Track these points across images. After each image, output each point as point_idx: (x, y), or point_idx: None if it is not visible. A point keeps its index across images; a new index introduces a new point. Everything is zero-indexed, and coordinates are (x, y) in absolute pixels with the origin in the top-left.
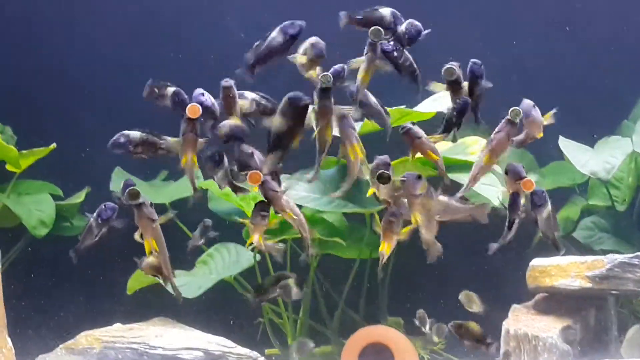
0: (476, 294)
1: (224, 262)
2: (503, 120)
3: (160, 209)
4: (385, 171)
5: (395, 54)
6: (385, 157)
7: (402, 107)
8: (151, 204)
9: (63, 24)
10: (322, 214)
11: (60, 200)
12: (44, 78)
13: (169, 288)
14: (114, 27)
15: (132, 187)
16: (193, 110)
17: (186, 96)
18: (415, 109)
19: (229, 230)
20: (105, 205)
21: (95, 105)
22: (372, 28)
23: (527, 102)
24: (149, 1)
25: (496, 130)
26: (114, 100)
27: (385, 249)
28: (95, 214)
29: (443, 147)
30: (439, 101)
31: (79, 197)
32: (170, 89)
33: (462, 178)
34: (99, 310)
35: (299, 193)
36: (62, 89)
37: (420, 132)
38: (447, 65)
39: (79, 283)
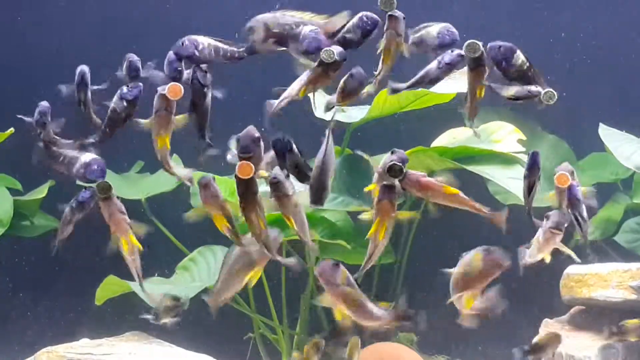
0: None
1: (209, 268)
2: None
3: (136, 205)
4: (398, 163)
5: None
6: (401, 153)
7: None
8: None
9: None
10: (322, 213)
11: (18, 196)
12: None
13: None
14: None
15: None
16: (174, 90)
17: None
18: (433, 89)
19: (215, 231)
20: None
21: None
22: None
23: None
24: None
25: None
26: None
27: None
28: (72, 200)
29: (463, 134)
30: (459, 80)
31: (41, 192)
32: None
33: (486, 171)
34: (63, 323)
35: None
36: (22, 64)
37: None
38: (470, 41)
39: (40, 291)
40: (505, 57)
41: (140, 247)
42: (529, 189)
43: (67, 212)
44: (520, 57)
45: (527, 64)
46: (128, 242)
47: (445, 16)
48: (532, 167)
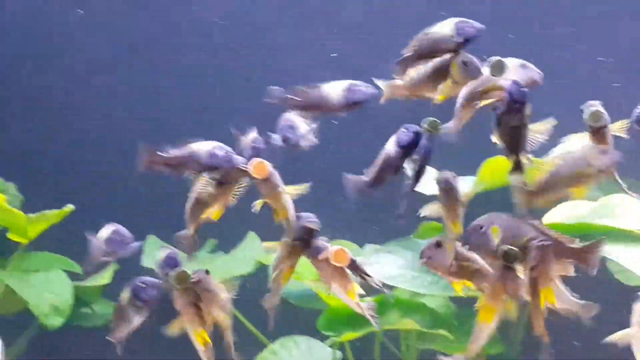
0: None
1: None
2: None
3: None
4: (513, 248)
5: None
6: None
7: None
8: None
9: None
10: (421, 298)
11: (78, 280)
12: (55, 123)
13: None
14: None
15: (179, 269)
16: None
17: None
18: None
19: (298, 319)
20: (142, 281)
21: (118, 156)
22: None
23: None
24: None
25: None
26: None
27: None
28: (128, 292)
29: (580, 210)
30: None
31: (105, 278)
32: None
33: (606, 249)
34: None
35: (390, 271)
36: (77, 137)
37: None
38: (592, 109)
39: None
40: None
41: (209, 342)
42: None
43: (122, 306)
44: None
45: None
46: (201, 337)
47: None
48: None
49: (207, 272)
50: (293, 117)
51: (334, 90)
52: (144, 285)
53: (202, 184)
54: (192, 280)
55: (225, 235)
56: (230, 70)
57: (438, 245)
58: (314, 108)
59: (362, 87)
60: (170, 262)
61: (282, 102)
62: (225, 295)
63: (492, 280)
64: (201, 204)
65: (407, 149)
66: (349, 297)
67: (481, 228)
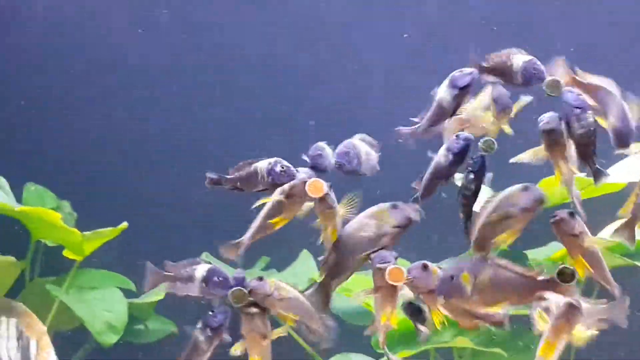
0: None
1: None
2: None
3: None
4: (569, 267)
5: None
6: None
7: (582, 175)
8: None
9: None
10: None
11: (132, 297)
12: (109, 138)
13: None
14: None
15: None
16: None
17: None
18: None
19: (351, 334)
20: (214, 310)
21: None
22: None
23: None
24: None
25: None
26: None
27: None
28: (199, 324)
29: None
30: (635, 167)
31: (158, 295)
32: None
33: None
34: None
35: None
36: (129, 152)
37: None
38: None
39: None
40: None
41: None
42: None
43: (196, 340)
44: None
45: None
46: None
47: None
48: None
49: (260, 278)
50: (355, 142)
51: None
52: (211, 314)
53: (275, 198)
54: (248, 290)
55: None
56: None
57: (424, 267)
58: None
59: None
60: (237, 282)
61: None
62: (288, 293)
63: (556, 317)
64: (273, 215)
65: (458, 157)
66: (381, 315)
67: (452, 278)
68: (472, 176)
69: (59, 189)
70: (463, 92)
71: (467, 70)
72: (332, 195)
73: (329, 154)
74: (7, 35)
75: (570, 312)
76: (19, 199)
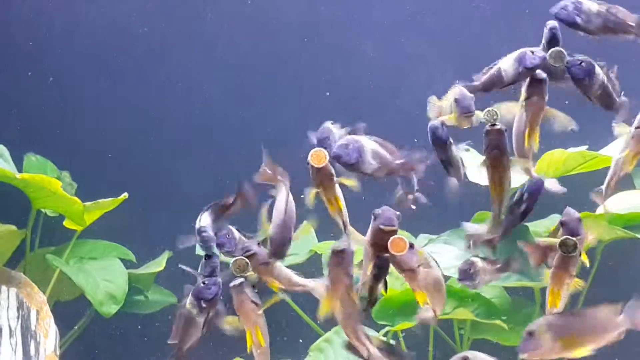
0: None
1: None
2: None
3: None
4: (571, 237)
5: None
6: (572, 212)
7: (584, 148)
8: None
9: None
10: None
11: (132, 268)
12: (110, 110)
13: None
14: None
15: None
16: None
17: None
18: (603, 151)
19: None
20: (205, 282)
21: (173, 140)
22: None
23: None
24: None
25: None
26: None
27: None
28: (191, 296)
29: (636, 198)
30: None
31: (158, 265)
32: None
33: None
34: None
35: (446, 261)
36: (131, 123)
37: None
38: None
39: None
40: None
41: (263, 343)
42: None
43: (186, 313)
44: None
45: None
46: (253, 337)
47: None
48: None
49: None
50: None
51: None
52: (205, 285)
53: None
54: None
55: None
56: None
57: (410, 247)
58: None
59: None
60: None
61: None
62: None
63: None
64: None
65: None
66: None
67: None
68: (525, 196)
69: (59, 161)
70: (528, 71)
71: (539, 53)
72: (331, 167)
73: (336, 136)
74: None
75: (565, 261)
76: (19, 170)
